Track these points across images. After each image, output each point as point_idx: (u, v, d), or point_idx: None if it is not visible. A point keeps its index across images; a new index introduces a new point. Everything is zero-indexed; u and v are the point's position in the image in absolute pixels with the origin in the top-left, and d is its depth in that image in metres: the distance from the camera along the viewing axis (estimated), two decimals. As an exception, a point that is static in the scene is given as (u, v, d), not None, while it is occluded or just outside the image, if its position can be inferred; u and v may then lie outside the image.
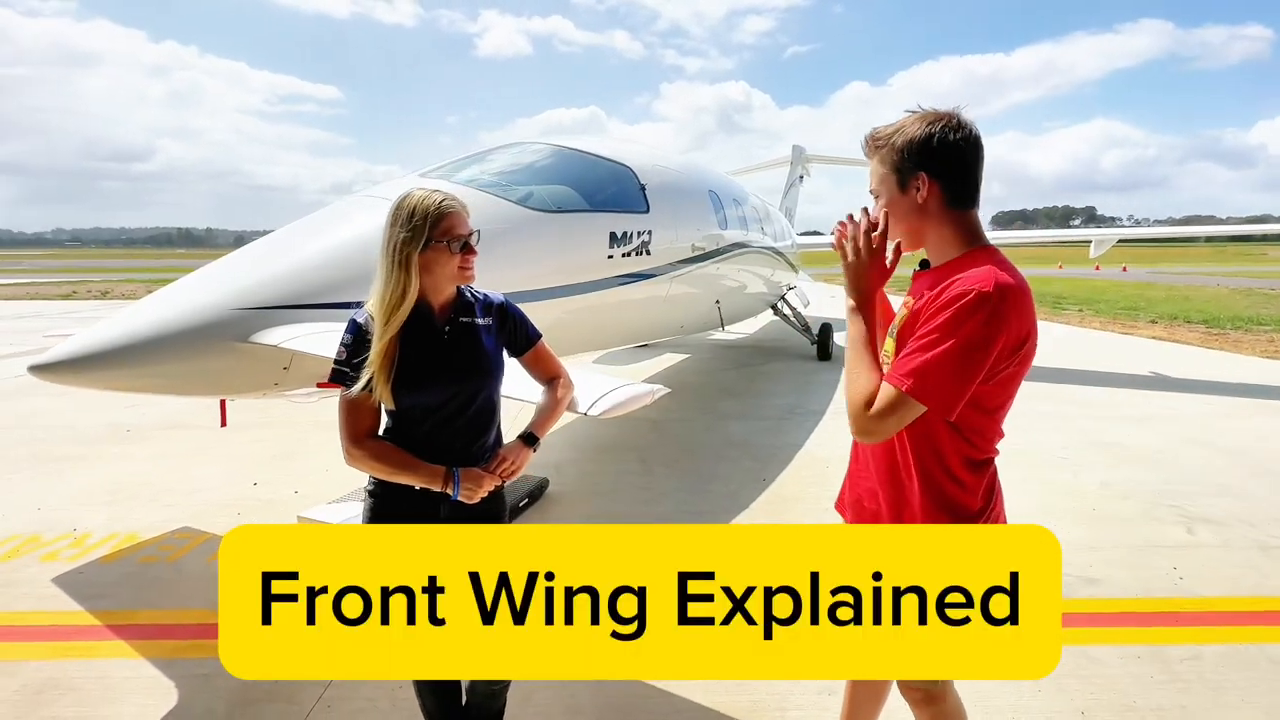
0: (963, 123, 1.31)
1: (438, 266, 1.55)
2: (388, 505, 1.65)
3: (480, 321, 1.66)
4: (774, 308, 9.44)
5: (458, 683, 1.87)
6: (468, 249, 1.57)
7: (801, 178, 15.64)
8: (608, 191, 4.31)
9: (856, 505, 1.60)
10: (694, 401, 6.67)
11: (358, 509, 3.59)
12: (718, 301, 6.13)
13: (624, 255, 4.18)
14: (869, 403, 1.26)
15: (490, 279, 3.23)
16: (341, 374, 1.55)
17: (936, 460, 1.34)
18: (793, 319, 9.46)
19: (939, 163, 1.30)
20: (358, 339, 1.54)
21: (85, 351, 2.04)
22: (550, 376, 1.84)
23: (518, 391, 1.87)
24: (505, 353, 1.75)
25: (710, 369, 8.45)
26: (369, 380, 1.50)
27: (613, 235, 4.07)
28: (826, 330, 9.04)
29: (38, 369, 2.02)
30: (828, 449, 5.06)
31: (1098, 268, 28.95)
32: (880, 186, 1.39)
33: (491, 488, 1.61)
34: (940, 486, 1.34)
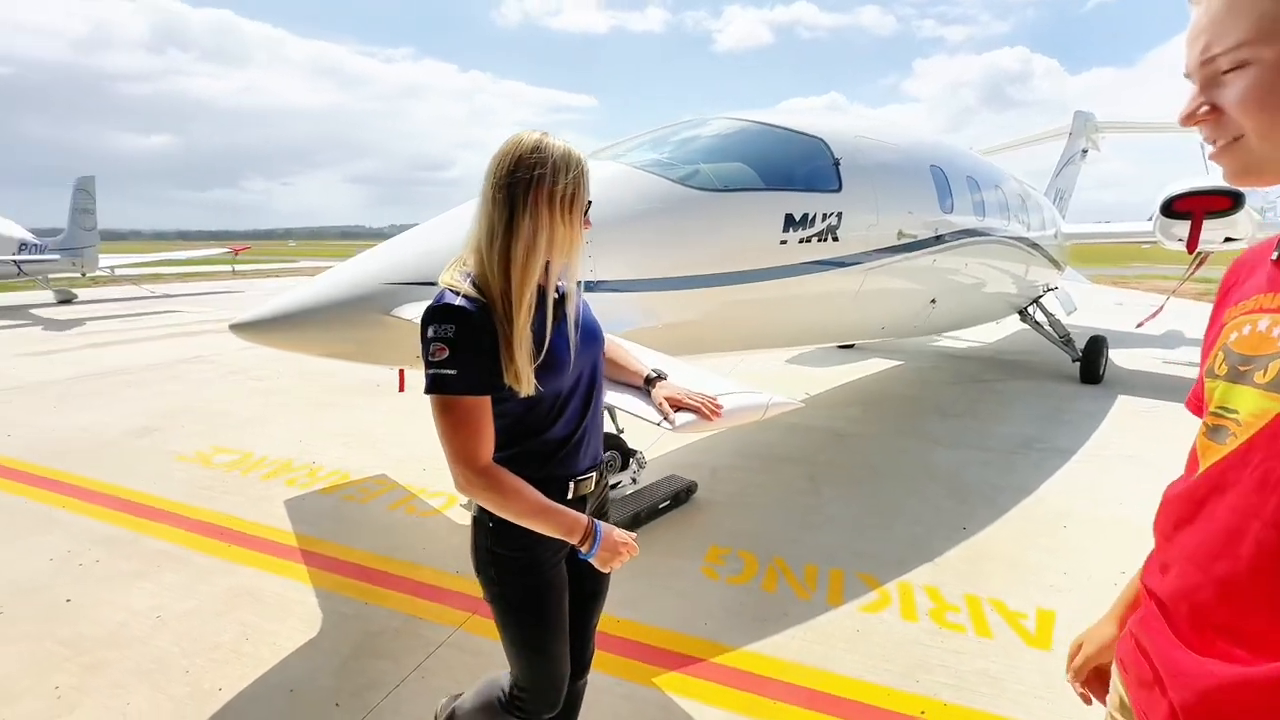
0: None
1: (580, 227, 1.28)
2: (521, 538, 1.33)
3: (565, 282, 1.35)
4: (1022, 312, 7.66)
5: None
6: (586, 219, 1.29)
7: (1085, 152, 12.46)
8: (789, 167, 3.77)
9: (1188, 602, 0.77)
10: (894, 417, 5.69)
11: None
12: (933, 300, 5.09)
13: (802, 241, 3.62)
14: None
15: (637, 262, 3.05)
16: (448, 380, 1.18)
17: None
18: (1048, 328, 7.57)
19: None
20: (466, 325, 1.18)
21: (264, 316, 2.33)
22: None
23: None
24: None
25: (926, 380, 7.18)
26: (497, 373, 1.21)
27: (789, 217, 3.54)
28: (1098, 345, 7.02)
29: (234, 328, 2.37)
30: (1071, 502, 3.82)
31: None
32: (1250, 26, 0.66)
33: (629, 557, 1.34)
34: None
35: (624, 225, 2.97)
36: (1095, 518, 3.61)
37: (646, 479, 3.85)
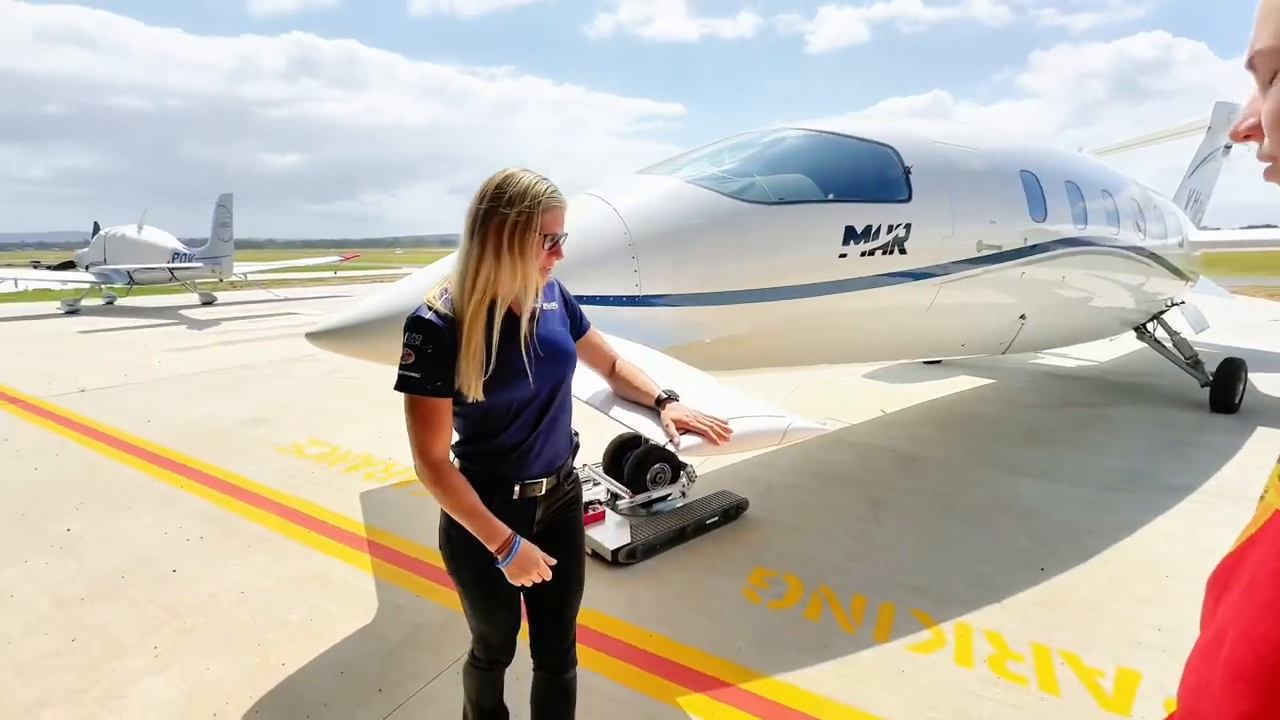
0: None
1: (532, 258, 1.42)
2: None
3: (547, 306, 1.56)
4: (1139, 329, 6.87)
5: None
6: (555, 249, 1.46)
7: (1228, 148, 10.96)
8: (852, 177, 3.61)
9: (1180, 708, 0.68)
10: (974, 441, 5.28)
11: (594, 490, 3.84)
12: (1023, 316, 4.68)
13: (865, 254, 3.46)
14: None
15: (686, 277, 3.04)
16: (412, 381, 1.37)
17: None
18: (1171, 347, 6.73)
19: None
20: (431, 337, 1.37)
21: (330, 327, 2.55)
22: (609, 360, 1.84)
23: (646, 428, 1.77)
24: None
25: (1017, 402, 6.60)
26: (452, 380, 1.38)
27: (850, 230, 3.39)
28: (1233, 368, 6.16)
29: (309, 336, 2.61)
30: (1178, 549, 3.39)
31: None
32: None
33: (539, 579, 1.47)
34: None
35: (672, 240, 2.98)
36: (1206, 569, 3.16)
37: (697, 493, 3.83)
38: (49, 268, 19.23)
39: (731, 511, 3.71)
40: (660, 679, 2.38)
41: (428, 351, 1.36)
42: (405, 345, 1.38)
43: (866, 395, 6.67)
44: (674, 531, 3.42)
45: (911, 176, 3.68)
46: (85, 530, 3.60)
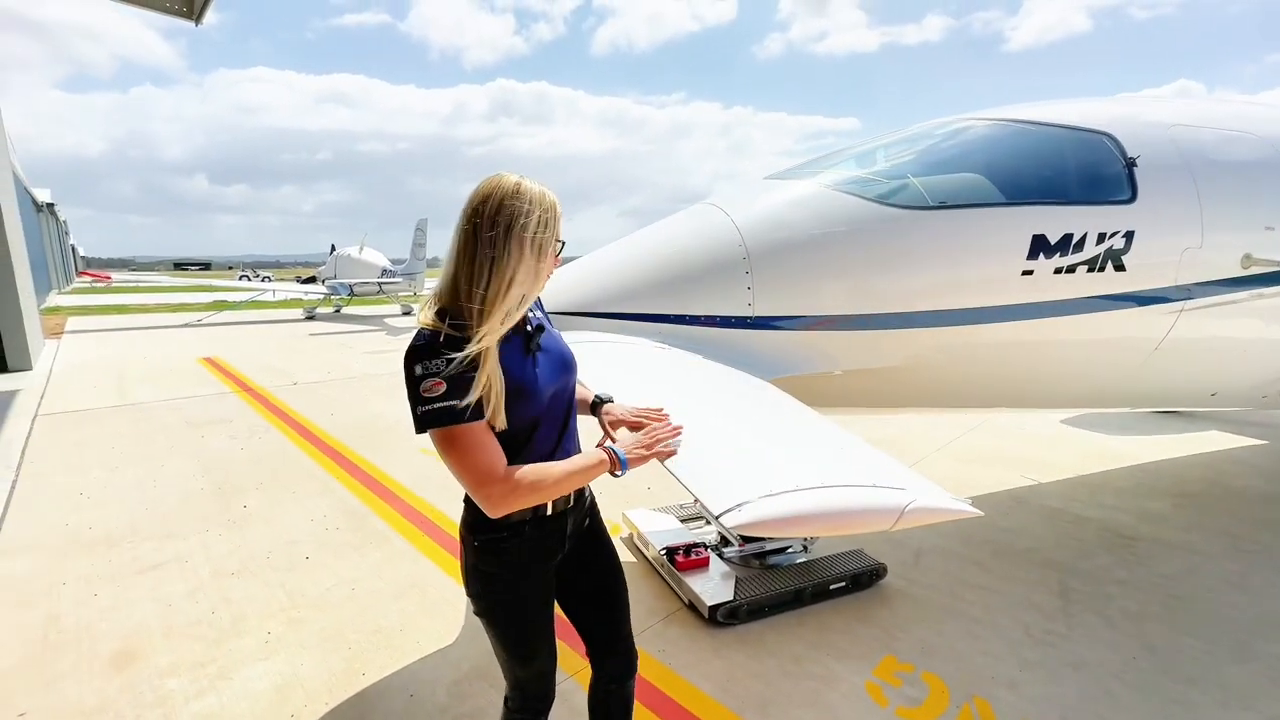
0: None
1: (549, 264, 1.33)
2: (527, 546, 1.42)
3: (539, 313, 1.48)
4: None
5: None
6: (557, 256, 1.36)
7: None
8: (1044, 174, 2.85)
9: None
10: (1231, 525, 3.91)
11: (674, 523, 3.55)
12: (1316, 360, 3.37)
13: (1061, 270, 2.68)
14: None
15: (811, 295, 2.57)
16: (453, 411, 1.20)
17: None
18: None
19: None
20: (456, 359, 1.21)
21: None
22: None
23: None
24: None
25: (1305, 475, 4.85)
26: (480, 401, 1.24)
27: (1039, 240, 2.65)
28: None
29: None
30: None
31: None
32: None
33: (664, 442, 1.46)
34: None
35: (797, 255, 2.54)
36: None
37: (824, 549, 3.27)
38: (300, 281, 23.69)
39: (864, 577, 3.09)
40: (741, 785, 1.94)
41: (456, 375, 1.21)
42: (426, 376, 1.20)
43: (1066, 446, 5.39)
44: (790, 593, 2.92)
45: (1136, 170, 2.81)
46: (257, 509, 4.09)
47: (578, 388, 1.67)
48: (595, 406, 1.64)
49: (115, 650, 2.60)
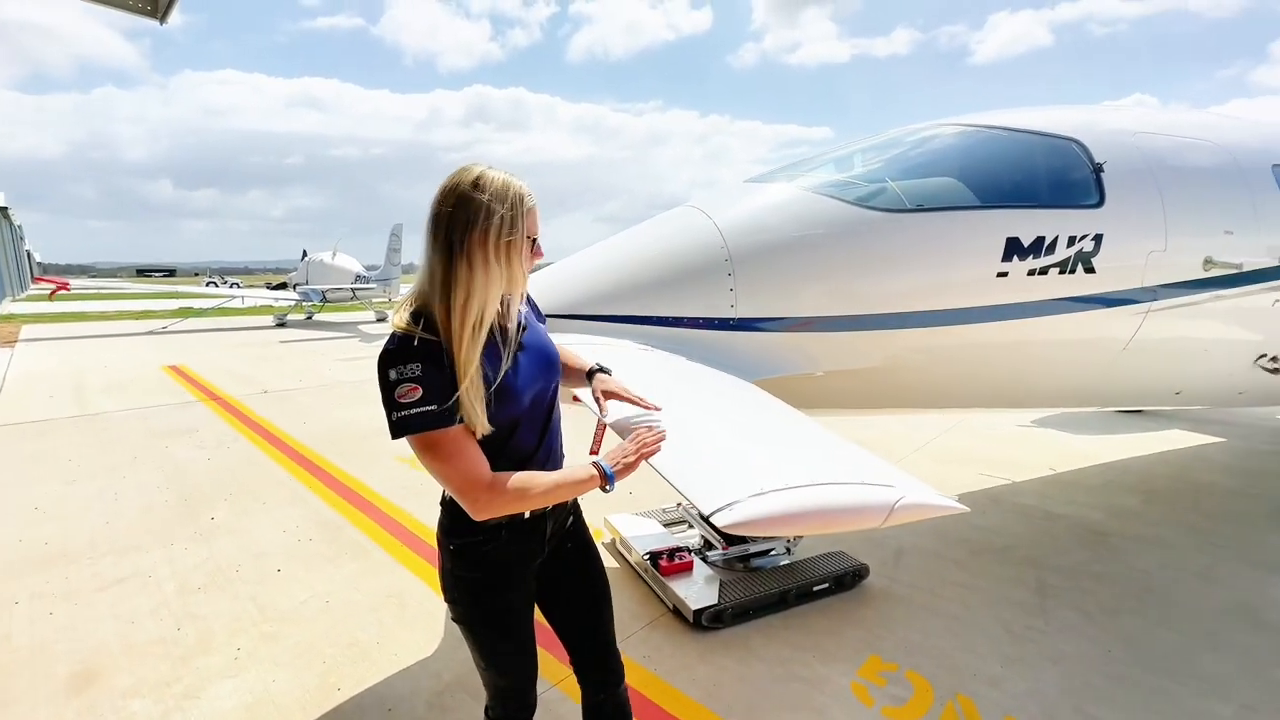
0: None
1: (521, 263, 1.27)
2: (505, 550, 1.38)
3: (524, 308, 1.43)
4: None
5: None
6: (536, 250, 1.30)
7: None
8: (1016, 179, 2.92)
9: None
10: (1198, 519, 4.04)
11: (657, 527, 3.52)
12: (1270, 358, 3.51)
13: (1034, 272, 2.74)
14: None
15: (791, 297, 2.59)
16: (429, 416, 1.17)
17: None
18: None
19: None
20: (433, 361, 1.17)
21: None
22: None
23: None
24: None
25: (1264, 470, 5.04)
26: (460, 405, 1.20)
27: (1013, 242, 2.71)
28: None
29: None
30: None
31: None
32: None
33: (651, 448, 1.37)
34: None
35: (778, 256, 2.55)
36: None
37: (806, 550, 3.28)
38: (270, 287, 23.15)
39: (847, 578, 3.10)
40: (729, 791, 1.92)
41: (434, 377, 1.18)
42: (401, 381, 1.16)
43: (1037, 446, 5.52)
44: (774, 595, 2.92)
45: (1103, 176, 2.89)
46: (225, 521, 3.95)
47: (572, 357, 1.67)
48: (591, 375, 1.61)
49: (73, 671, 2.47)
